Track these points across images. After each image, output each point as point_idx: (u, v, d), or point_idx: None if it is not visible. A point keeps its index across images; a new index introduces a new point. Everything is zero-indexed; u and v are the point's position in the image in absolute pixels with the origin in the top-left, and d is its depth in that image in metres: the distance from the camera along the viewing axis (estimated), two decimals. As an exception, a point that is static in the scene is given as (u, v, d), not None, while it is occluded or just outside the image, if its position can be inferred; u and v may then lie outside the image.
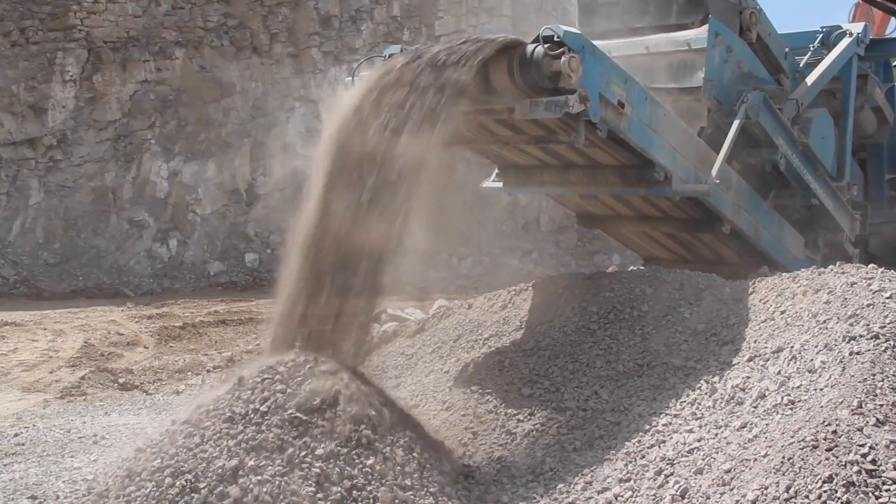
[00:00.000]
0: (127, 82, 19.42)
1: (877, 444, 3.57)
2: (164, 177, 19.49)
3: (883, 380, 3.99)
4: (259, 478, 3.99)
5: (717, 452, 4.24)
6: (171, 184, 19.50)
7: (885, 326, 4.43)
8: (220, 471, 4.00)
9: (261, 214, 19.72)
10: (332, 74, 19.88)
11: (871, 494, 3.39)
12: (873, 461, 3.50)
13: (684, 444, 4.48)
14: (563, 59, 5.21)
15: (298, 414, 4.28)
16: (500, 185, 7.24)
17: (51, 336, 11.86)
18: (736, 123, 6.48)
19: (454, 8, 21.62)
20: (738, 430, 4.34)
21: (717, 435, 4.42)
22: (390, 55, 6.01)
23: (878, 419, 3.73)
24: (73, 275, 17.79)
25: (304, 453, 4.16)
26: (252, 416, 4.27)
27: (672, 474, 4.25)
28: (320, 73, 20.54)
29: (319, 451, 4.18)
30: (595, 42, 5.95)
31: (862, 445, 3.58)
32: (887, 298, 4.75)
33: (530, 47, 5.30)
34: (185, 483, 3.95)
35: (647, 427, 4.85)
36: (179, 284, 18.08)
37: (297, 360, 4.62)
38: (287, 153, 20.14)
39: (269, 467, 4.06)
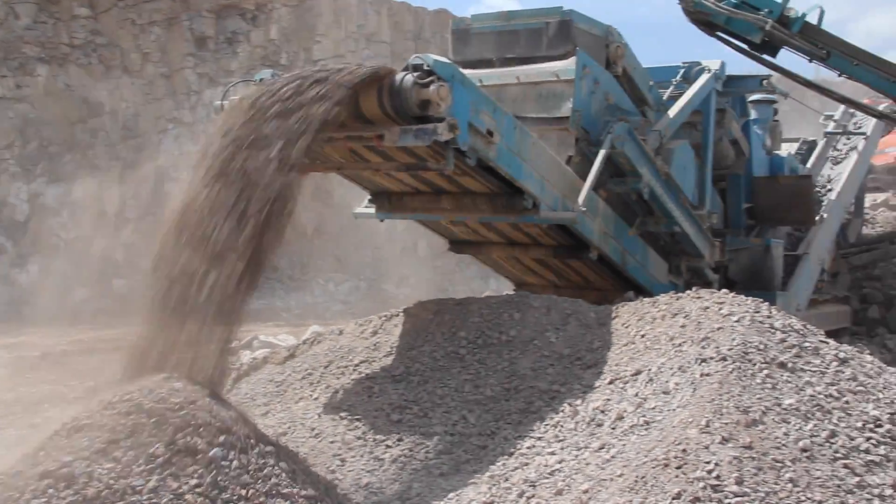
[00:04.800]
0: (-18, 98, 18.50)
1: (721, 461, 3.74)
2: (24, 199, 18.56)
3: (729, 399, 4.18)
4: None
5: (577, 473, 4.34)
6: (32, 206, 18.59)
7: (732, 349, 4.65)
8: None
9: (131, 239, 19.07)
10: (208, 97, 19.49)
11: (715, 509, 3.54)
12: (718, 477, 3.66)
13: (546, 465, 4.57)
14: (432, 87, 5.29)
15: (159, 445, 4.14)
16: (371, 211, 7.25)
17: None
18: (602, 153, 6.67)
19: (333, 33, 21.64)
20: (596, 451, 4.47)
21: (577, 456, 4.53)
22: (261, 79, 5.97)
23: (723, 437, 3.90)
24: (-79, 302, 16.76)
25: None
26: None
27: (534, 496, 4.32)
28: (195, 94, 20.11)
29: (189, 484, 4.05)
30: (467, 71, 6.08)
31: (708, 462, 3.74)
32: (735, 322, 4.99)
33: (399, 75, 5.36)
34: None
35: (512, 450, 4.92)
36: (40, 312, 17.21)
37: (157, 384, 4.47)
38: (159, 176, 19.59)
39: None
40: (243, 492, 4.07)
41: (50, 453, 4.11)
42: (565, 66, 6.82)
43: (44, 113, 18.72)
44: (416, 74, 5.33)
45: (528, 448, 4.88)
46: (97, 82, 19.26)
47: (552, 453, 4.70)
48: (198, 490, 3.98)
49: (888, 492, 3.85)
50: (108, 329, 15.11)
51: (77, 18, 19.10)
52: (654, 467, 3.84)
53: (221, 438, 4.25)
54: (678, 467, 3.76)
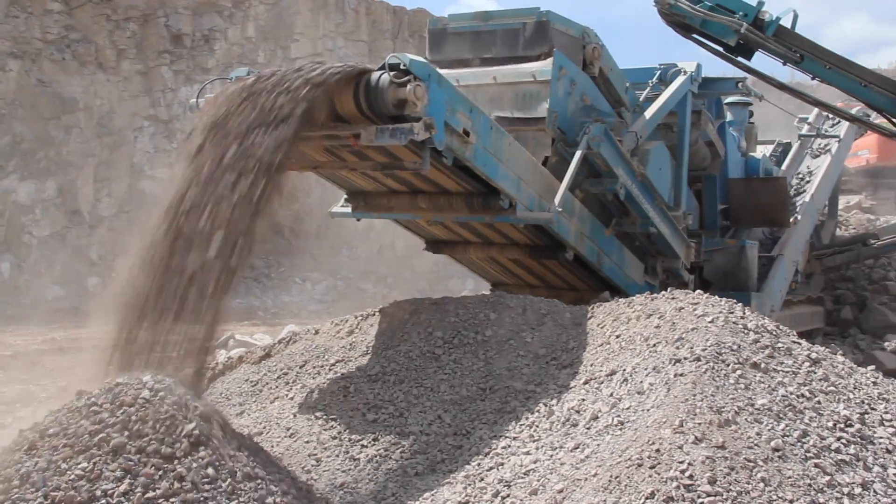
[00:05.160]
0: (-48, 93, 18.22)
1: (694, 461, 3.76)
2: (-4, 196, 18.35)
3: (702, 399, 4.21)
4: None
5: (552, 473, 4.36)
6: (4, 203, 18.33)
7: (706, 349, 4.69)
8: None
9: (105, 237, 18.90)
10: (184, 94, 19.36)
11: (687, 508, 3.56)
12: (691, 476, 3.69)
13: (521, 465, 4.58)
14: (408, 87, 5.29)
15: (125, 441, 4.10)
16: (348, 210, 7.24)
17: None
18: (578, 153, 6.69)
19: (310, 31, 21.57)
20: (571, 451, 4.48)
21: (552, 456, 4.55)
22: (237, 77, 5.95)
23: (696, 437, 3.93)
24: None
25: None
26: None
27: (508, 496, 4.33)
28: (171, 91, 19.97)
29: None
30: (444, 71, 6.08)
31: (681, 462, 3.76)
32: (709, 322, 5.03)
33: (376, 75, 5.36)
34: None
35: (488, 450, 4.93)
36: (12, 310, 17.01)
37: (133, 383, 4.42)
38: (134, 174, 19.44)
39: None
40: (219, 489, 4.04)
41: (13, 456, 4.06)
42: (542, 67, 6.84)
43: (16, 109, 18.48)
44: (392, 74, 5.33)
45: (504, 448, 4.89)
46: (71, 78, 19.04)
47: (527, 453, 4.71)
48: (170, 491, 3.94)
49: (858, 490, 3.90)
50: (82, 328, 14.99)
51: (50, 13, 18.87)
52: (628, 467, 3.86)
53: (195, 437, 4.22)
54: (652, 467, 3.78)
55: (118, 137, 19.54)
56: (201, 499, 3.94)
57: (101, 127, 19.43)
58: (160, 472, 3.99)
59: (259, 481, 4.29)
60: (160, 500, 3.85)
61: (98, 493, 3.80)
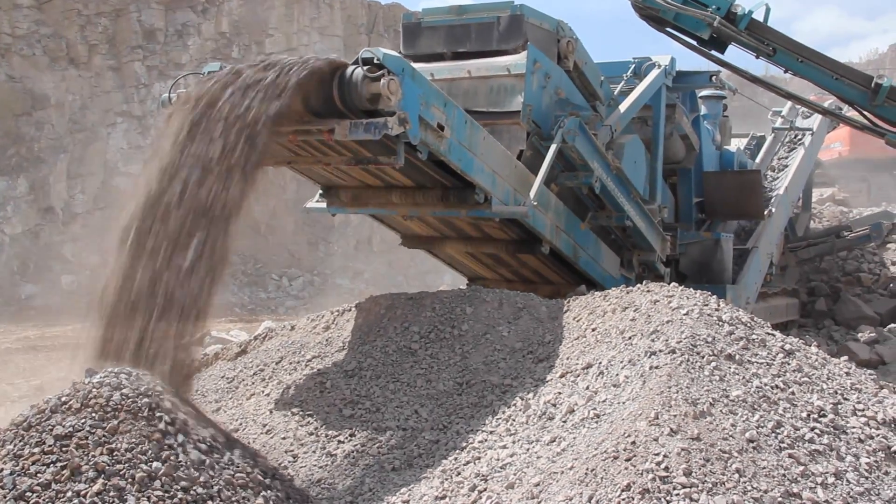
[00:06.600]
0: (-80, 89, 17.96)
1: (669, 453, 3.77)
2: (-32, 193, 18.14)
3: (678, 392, 4.23)
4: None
5: (528, 467, 4.36)
6: (-25, 201, 18.17)
7: (681, 341, 4.70)
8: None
9: (79, 234, 18.71)
10: (157, 90, 19.21)
11: (663, 499, 3.57)
12: (666, 468, 3.70)
13: (498, 459, 4.57)
14: (382, 81, 5.26)
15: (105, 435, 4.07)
16: (323, 205, 7.20)
17: None
18: (553, 147, 6.69)
19: (285, 26, 21.46)
20: (548, 444, 4.48)
21: (528, 450, 4.54)
22: (210, 72, 5.89)
23: (671, 429, 3.94)
24: None
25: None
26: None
27: (485, 490, 4.32)
28: (144, 87, 19.81)
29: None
30: (418, 65, 6.06)
31: (657, 454, 3.77)
32: (684, 315, 5.04)
33: (350, 69, 5.33)
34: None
35: (465, 444, 4.92)
36: (-16, 308, 16.87)
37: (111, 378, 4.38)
38: (108, 170, 19.25)
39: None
40: (200, 485, 4.02)
41: None
42: (516, 61, 6.83)
43: (-14, 105, 18.28)
44: (366, 68, 5.30)
45: (480, 442, 4.89)
46: (42, 74, 18.82)
47: (504, 447, 4.71)
48: (151, 486, 3.91)
49: (831, 480, 3.93)
50: (56, 326, 14.87)
51: (19, 8, 18.63)
52: (604, 460, 3.86)
53: (175, 431, 4.20)
54: (627, 459, 3.79)
55: (91, 133, 19.35)
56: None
57: (74, 123, 19.24)
58: (135, 470, 3.97)
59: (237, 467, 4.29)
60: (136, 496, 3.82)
61: (70, 493, 3.76)
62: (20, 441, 3.97)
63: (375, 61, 5.34)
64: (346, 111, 5.43)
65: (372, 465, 5.07)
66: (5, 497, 3.71)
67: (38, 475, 3.80)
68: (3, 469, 3.85)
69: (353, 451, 5.26)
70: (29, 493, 3.74)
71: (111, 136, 19.57)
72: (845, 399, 4.65)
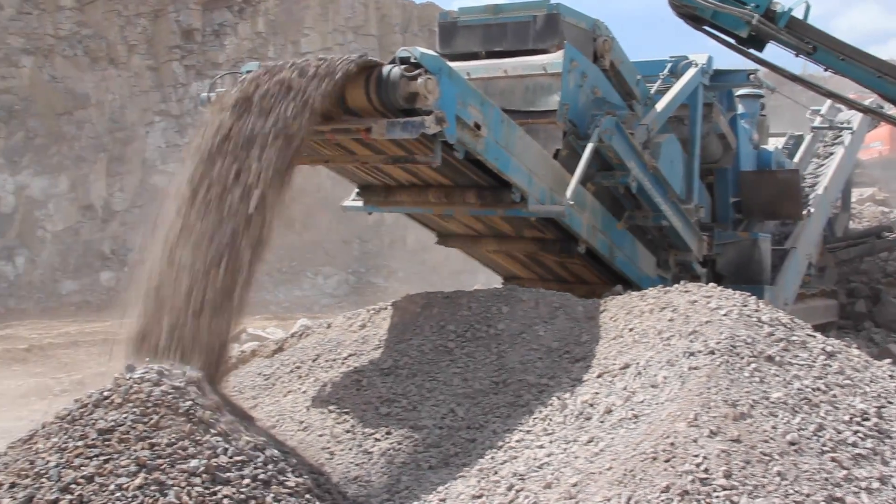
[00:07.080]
0: (-33, 90, 18.31)
1: (709, 454, 3.74)
2: (10, 191, 18.39)
3: (717, 393, 4.19)
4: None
5: (566, 467, 4.34)
6: (18, 198, 18.43)
7: (720, 342, 4.66)
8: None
9: (118, 231, 18.97)
10: (195, 89, 19.41)
11: (703, 501, 3.55)
12: (706, 470, 3.67)
13: (535, 459, 4.56)
14: (419, 80, 5.27)
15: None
16: (360, 204, 7.23)
17: None
18: (589, 146, 6.67)
19: (320, 25, 21.59)
20: (585, 444, 4.47)
21: (566, 450, 4.53)
22: (248, 72, 5.94)
23: (711, 430, 3.91)
24: None
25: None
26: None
27: (522, 489, 4.32)
28: (182, 87, 20.03)
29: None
30: (454, 64, 6.06)
31: (696, 456, 3.74)
32: (723, 315, 5.00)
33: (387, 68, 5.34)
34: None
35: (501, 443, 4.92)
36: (27, 304, 17.12)
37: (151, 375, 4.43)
38: (146, 168, 19.50)
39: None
40: (237, 483, 4.05)
41: (32, 449, 4.08)
42: (553, 60, 6.81)
43: (29, 105, 18.57)
44: (403, 67, 5.32)
45: (517, 441, 4.88)
46: (83, 74, 19.13)
47: (541, 447, 4.70)
48: (191, 482, 3.95)
49: (875, 485, 3.88)
50: (95, 322, 15.09)
51: (62, 10, 18.94)
52: (642, 461, 3.84)
53: (214, 429, 4.24)
54: (667, 461, 3.77)
55: (130, 132, 19.61)
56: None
57: (113, 122, 19.51)
58: (174, 466, 4.01)
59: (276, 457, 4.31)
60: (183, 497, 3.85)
61: (112, 486, 3.81)
62: (64, 434, 4.03)
63: (413, 60, 5.35)
64: (382, 110, 5.45)
65: (408, 463, 5.08)
66: (51, 489, 3.77)
67: (82, 468, 3.85)
68: (49, 461, 3.91)
69: (389, 449, 5.28)
70: (73, 486, 3.80)
71: (150, 134, 19.82)
72: (889, 403, 4.58)
